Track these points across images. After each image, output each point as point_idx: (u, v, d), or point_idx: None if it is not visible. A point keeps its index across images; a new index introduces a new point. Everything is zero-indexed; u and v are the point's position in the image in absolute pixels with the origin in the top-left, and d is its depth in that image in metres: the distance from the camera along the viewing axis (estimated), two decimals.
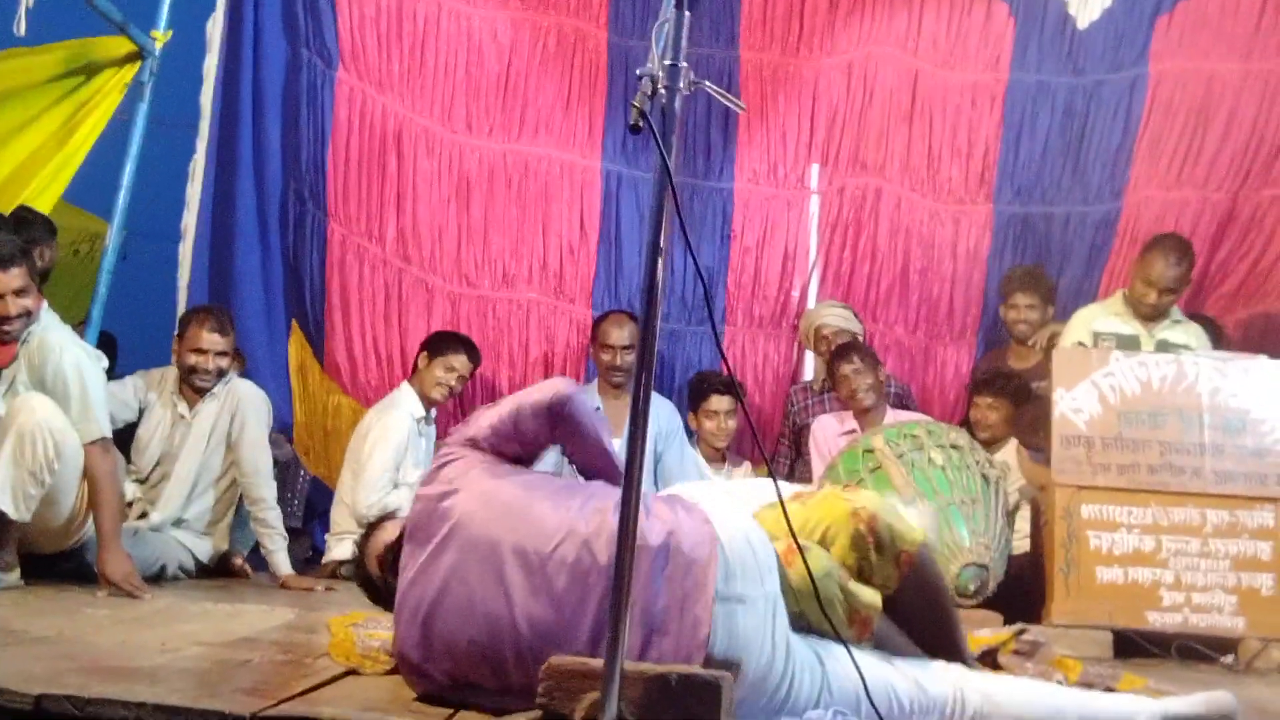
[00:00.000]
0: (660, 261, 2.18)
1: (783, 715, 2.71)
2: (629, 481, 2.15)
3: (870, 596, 2.97)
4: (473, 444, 2.99)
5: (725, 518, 2.87)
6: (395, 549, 3.11)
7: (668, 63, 2.22)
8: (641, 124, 2.15)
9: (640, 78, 2.20)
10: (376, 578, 3.24)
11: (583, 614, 2.62)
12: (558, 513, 2.76)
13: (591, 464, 3.09)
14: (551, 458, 3.31)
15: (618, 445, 2.68)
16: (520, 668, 2.57)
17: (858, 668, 2.71)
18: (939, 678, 2.92)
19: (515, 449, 2.99)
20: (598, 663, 2.10)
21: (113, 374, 5.53)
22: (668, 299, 7.43)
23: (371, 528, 3.35)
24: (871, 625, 2.97)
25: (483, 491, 2.85)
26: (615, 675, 2.06)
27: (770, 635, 2.74)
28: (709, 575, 2.69)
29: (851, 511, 3.06)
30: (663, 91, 2.22)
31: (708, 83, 2.31)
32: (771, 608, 2.78)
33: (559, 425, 2.96)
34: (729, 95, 2.39)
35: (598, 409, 6.56)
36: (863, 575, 3.04)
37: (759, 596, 2.76)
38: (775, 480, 2.71)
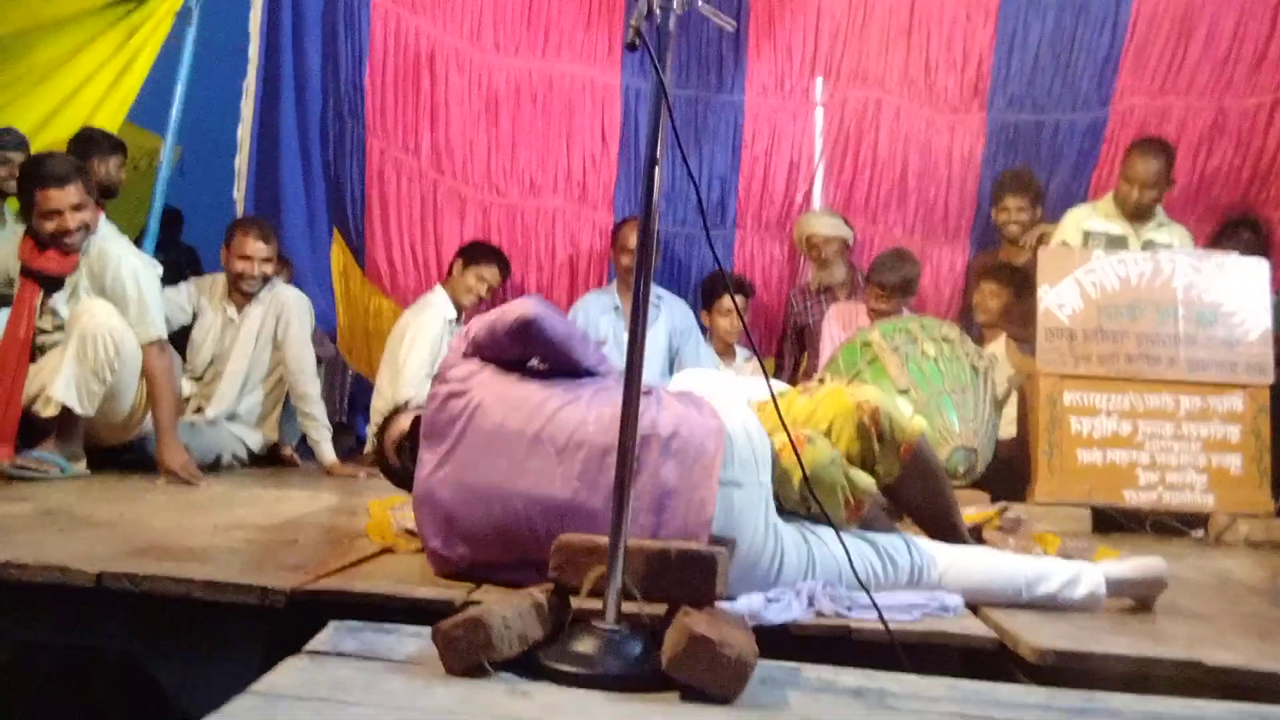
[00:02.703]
0: (657, 172, 2.17)
1: (774, 587, 2.76)
2: (630, 372, 2.16)
3: (866, 482, 3.02)
4: (474, 348, 3.00)
5: (731, 411, 2.90)
6: (410, 437, 3.15)
7: None
8: (638, 42, 2.13)
9: None
10: (395, 464, 3.28)
11: (595, 496, 2.65)
12: (570, 405, 2.78)
13: (566, 372, 3.06)
14: None
15: None
16: (537, 546, 2.60)
17: (844, 544, 2.75)
18: (905, 548, 2.97)
19: (507, 357, 2.98)
20: (604, 539, 2.12)
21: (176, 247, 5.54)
22: (684, 205, 7.43)
23: (388, 419, 3.38)
24: (864, 509, 3.01)
25: (496, 387, 2.86)
26: (619, 550, 2.08)
27: (762, 517, 2.80)
28: (716, 462, 2.73)
29: (855, 405, 3.10)
30: (658, 11, 2.20)
31: (700, 2, 2.29)
32: (764, 493, 2.84)
33: (529, 344, 2.92)
34: (720, 14, 2.36)
35: (617, 308, 6.65)
36: (865, 465, 3.08)
37: (754, 483, 2.81)
38: (768, 378, 2.72)
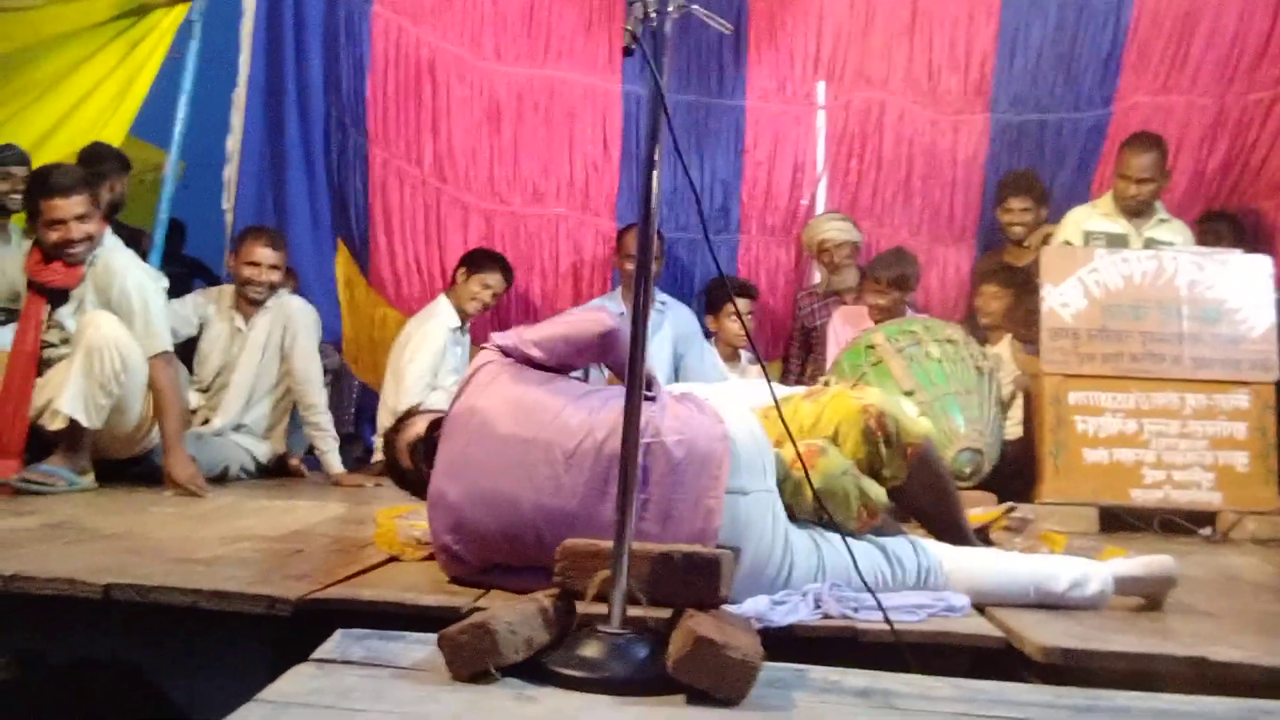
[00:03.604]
0: (655, 177, 2.18)
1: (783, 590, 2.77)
2: (632, 380, 2.16)
3: (879, 493, 3.03)
4: (504, 352, 3.03)
5: (735, 416, 2.90)
6: (425, 442, 3.16)
7: None
8: (634, 47, 2.14)
9: (632, 3, 2.19)
10: (407, 468, 3.30)
11: (602, 504, 2.65)
12: (579, 413, 2.79)
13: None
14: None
15: None
16: (545, 553, 2.60)
17: (849, 549, 2.75)
18: (913, 551, 2.98)
19: (552, 363, 3.03)
20: (608, 543, 2.13)
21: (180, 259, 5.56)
22: (687, 210, 7.45)
23: (399, 422, 3.40)
24: (878, 518, 3.03)
25: (510, 394, 2.88)
26: (624, 554, 2.09)
27: (769, 523, 2.80)
28: (722, 470, 2.72)
29: (861, 409, 3.11)
30: (654, 15, 2.21)
31: (695, 6, 2.29)
32: (770, 499, 2.84)
33: (607, 353, 3.01)
34: (716, 18, 2.37)
35: (622, 314, 6.65)
36: (873, 469, 3.10)
37: (760, 489, 2.81)
38: (769, 382, 2.73)
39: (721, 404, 2.95)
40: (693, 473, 2.71)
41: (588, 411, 2.79)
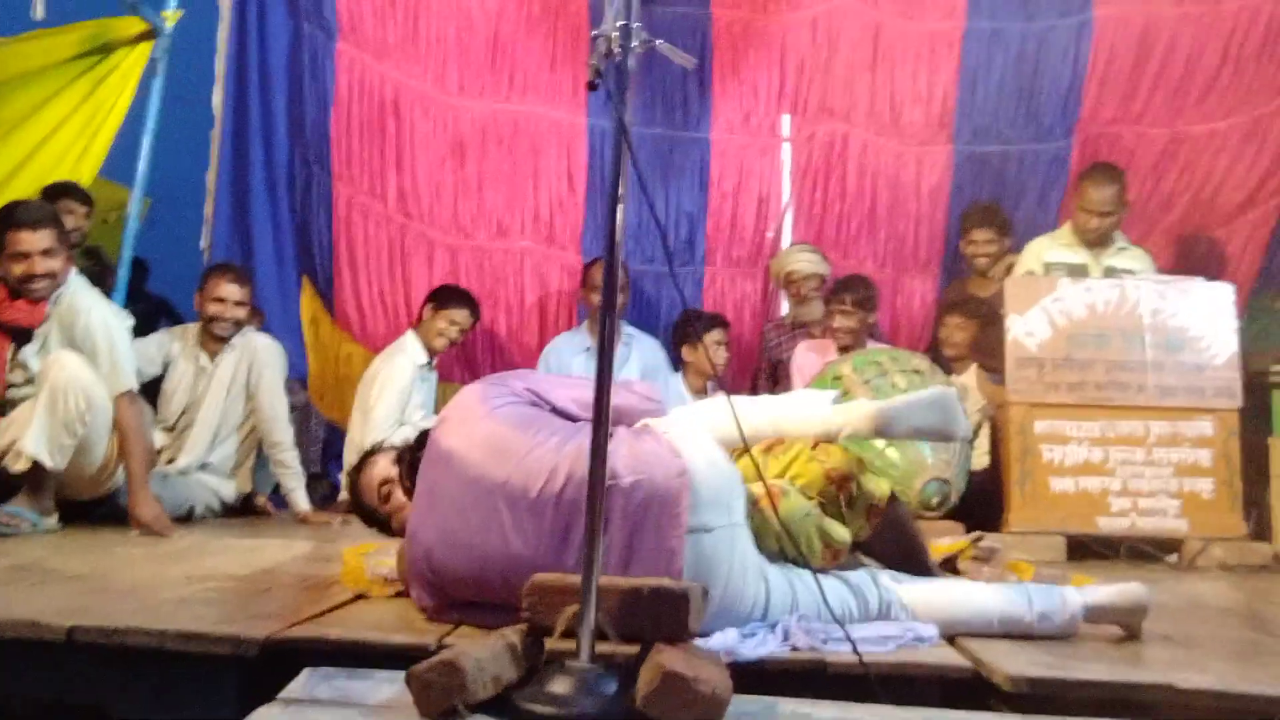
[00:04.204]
0: (620, 210, 2.19)
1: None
2: (598, 415, 2.17)
3: (841, 534, 3.01)
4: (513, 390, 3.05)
5: (693, 447, 2.86)
6: (410, 457, 3.17)
7: (620, 24, 2.22)
8: (598, 82, 2.16)
9: (595, 38, 2.20)
10: (373, 509, 3.30)
11: (567, 547, 2.63)
12: (544, 454, 2.76)
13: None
14: None
15: None
16: (510, 594, 2.59)
17: (819, 586, 2.75)
18: (872, 582, 2.97)
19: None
20: (576, 578, 2.12)
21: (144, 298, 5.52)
22: (652, 243, 7.47)
23: (362, 460, 3.39)
24: (842, 556, 3.02)
25: (478, 433, 2.87)
26: (592, 589, 2.09)
27: (738, 557, 2.77)
28: (681, 508, 2.69)
29: (824, 474, 3.08)
30: (618, 50, 2.22)
31: (659, 41, 2.31)
32: (735, 533, 2.81)
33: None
34: (679, 52, 2.38)
35: (588, 349, 6.65)
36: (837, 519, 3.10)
37: (724, 525, 2.78)
38: (740, 427, 2.74)
39: (680, 435, 2.92)
40: (653, 514, 2.68)
41: (552, 451, 2.76)
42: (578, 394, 3.06)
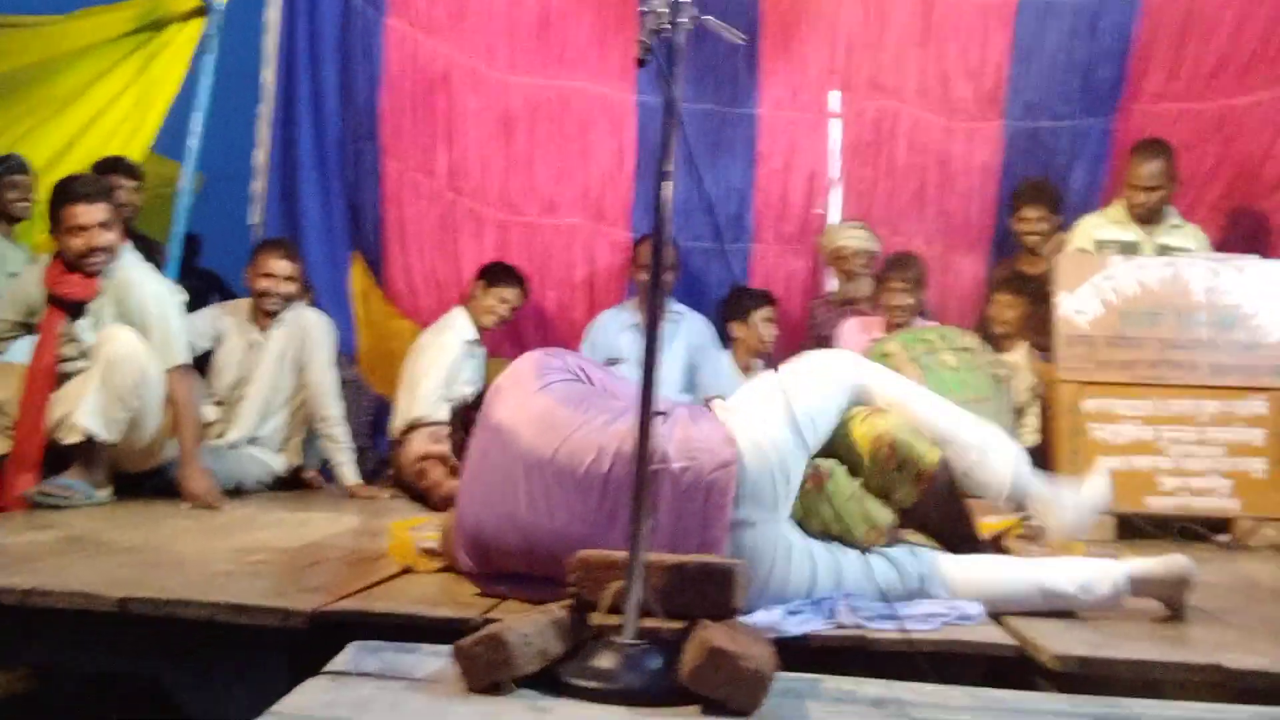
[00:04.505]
0: (667, 186, 2.18)
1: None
2: (646, 393, 2.17)
3: (885, 515, 3.03)
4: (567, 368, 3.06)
5: (750, 438, 2.84)
6: (428, 456, 3.19)
7: None
8: (648, 58, 2.15)
9: (644, 14, 2.20)
10: (411, 485, 3.33)
11: (613, 525, 2.64)
12: (591, 432, 2.77)
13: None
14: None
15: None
16: (558, 567, 2.60)
17: (867, 566, 2.77)
18: (912, 557, 2.98)
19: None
20: (622, 554, 2.13)
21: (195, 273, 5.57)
22: (701, 220, 7.43)
23: (402, 436, 3.42)
24: (885, 535, 3.02)
25: (530, 407, 2.89)
26: (638, 565, 2.09)
27: (781, 552, 2.80)
28: (726, 499, 2.71)
29: (874, 437, 3.09)
30: (668, 26, 2.22)
31: (707, 17, 2.30)
32: (780, 530, 2.83)
33: None
34: (728, 28, 2.38)
35: (634, 325, 6.65)
36: (883, 492, 3.09)
37: (767, 520, 2.80)
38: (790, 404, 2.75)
39: (740, 423, 2.90)
40: (698, 501, 2.70)
41: (600, 430, 2.77)
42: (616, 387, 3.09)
